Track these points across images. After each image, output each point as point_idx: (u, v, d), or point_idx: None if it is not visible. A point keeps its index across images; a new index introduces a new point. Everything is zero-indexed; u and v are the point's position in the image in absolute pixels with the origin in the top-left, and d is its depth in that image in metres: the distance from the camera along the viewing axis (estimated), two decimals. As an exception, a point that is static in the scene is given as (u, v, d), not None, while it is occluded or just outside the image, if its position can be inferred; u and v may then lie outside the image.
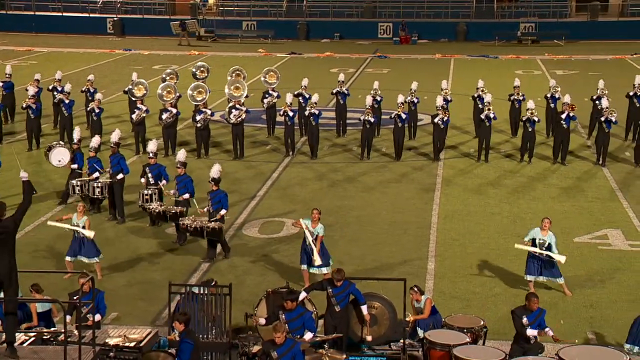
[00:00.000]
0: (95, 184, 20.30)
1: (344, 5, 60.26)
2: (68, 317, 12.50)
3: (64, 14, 61.10)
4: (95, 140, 21.32)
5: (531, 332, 12.95)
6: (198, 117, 25.76)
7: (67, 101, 27.39)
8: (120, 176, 20.16)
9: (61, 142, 22.77)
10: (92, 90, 28.83)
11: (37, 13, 61.27)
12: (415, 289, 14.13)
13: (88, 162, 20.69)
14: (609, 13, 59.98)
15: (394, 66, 45.58)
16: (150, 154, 20.15)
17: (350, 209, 21.24)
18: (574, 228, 19.71)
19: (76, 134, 22.10)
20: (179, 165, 19.26)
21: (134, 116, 26.23)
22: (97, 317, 13.37)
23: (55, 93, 28.41)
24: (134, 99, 27.30)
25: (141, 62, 46.93)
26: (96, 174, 20.42)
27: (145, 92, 27.36)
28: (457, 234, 19.52)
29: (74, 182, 20.60)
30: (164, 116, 25.73)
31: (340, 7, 60.18)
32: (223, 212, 17.71)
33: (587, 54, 49.64)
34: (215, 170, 18.14)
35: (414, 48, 53.84)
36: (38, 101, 27.64)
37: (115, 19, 60.51)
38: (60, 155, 21.04)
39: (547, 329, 13.08)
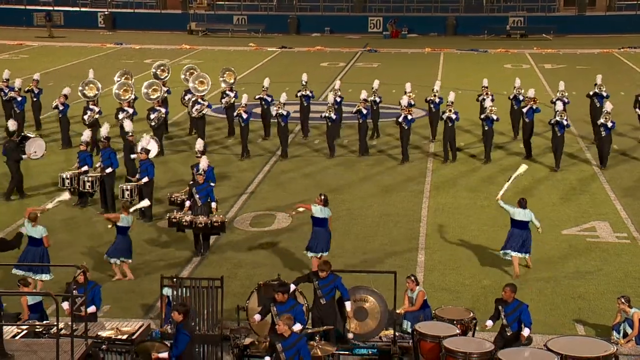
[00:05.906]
0: (85, 178, 20.36)
1: (335, 0, 60.31)
2: (65, 305, 12.58)
3: (55, 7, 60.93)
4: (87, 135, 21.35)
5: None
6: (152, 116, 25.17)
7: (19, 99, 27.39)
8: (109, 170, 20.22)
9: (32, 135, 22.48)
10: (36, 91, 28.12)
11: (28, 7, 61.06)
12: (412, 277, 14.32)
13: (79, 155, 20.76)
14: (597, 7, 60.26)
15: (384, 60, 45.66)
16: (141, 150, 20.17)
17: (341, 202, 21.34)
18: (562, 220, 19.86)
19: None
20: (197, 155, 19.67)
21: (85, 117, 25.29)
22: (92, 308, 13.43)
23: (5, 91, 28.02)
24: (86, 99, 26.19)
25: (132, 56, 46.89)
26: (85, 168, 20.50)
27: (97, 92, 26.47)
28: (446, 226, 19.65)
29: (64, 174, 20.66)
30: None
31: (330, 1, 60.21)
32: (214, 205, 17.81)
33: (575, 48, 49.83)
34: (203, 163, 18.27)
35: (404, 42, 53.94)
36: None
37: (106, 13, 60.40)
38: (35, 147, 21.07)
39: (526, 329, 12.81)
